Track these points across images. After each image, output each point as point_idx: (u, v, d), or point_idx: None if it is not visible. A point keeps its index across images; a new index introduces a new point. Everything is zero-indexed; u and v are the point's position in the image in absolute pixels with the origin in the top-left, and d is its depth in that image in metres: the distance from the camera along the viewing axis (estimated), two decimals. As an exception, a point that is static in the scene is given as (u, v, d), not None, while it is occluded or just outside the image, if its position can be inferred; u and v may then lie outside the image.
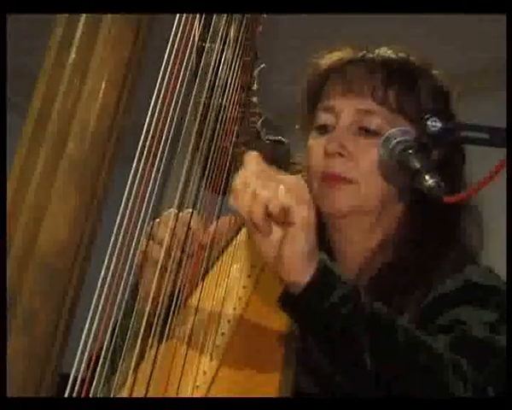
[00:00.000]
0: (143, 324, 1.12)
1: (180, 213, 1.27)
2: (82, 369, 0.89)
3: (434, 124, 1.17)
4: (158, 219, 1.28)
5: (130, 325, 1.12)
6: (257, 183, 1.07)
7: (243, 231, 1.58)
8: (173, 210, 1.27)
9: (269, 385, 1.19)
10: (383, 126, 1.39)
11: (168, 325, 1.23)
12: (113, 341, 1.06)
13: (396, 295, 1.35)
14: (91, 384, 0.97)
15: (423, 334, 1.17)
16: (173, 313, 1.24)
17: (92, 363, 0.96)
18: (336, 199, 1.41)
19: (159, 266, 1.19)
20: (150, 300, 1.14)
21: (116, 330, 1.08)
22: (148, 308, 1.13)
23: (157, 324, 1.15)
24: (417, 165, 1.19)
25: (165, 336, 1.23)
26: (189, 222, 1.27)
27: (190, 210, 1.28)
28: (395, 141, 1.27)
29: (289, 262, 1.09)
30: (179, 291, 1.26)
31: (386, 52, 1.48)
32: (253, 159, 1.10)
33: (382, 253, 1.43)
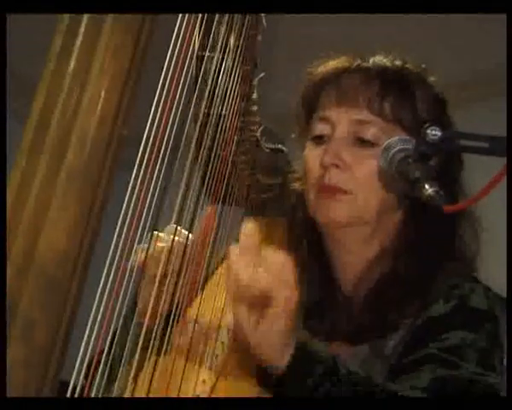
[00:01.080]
0: (142, 333, 1.11)
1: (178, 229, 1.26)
2: (81, 376, 0.89)
3: (434, 133, 1.17)
4: (156, 235, 1.27)
5: (130, 335, 1.12)
6: (238, 264, 1.07)
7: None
8: (171, 226, 1.26)
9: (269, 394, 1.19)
10: (379, 137, 1.38)
11: (167, 335, 1.23)
12: (113, 350, 1.06)
13: (393, 310, 1.35)
14: (91, 391, 0.97)
15: (400, 388, 1.21)
16: (172, 322, 1.24)
17: (93, 366, 0.96)
18: (333, 210, 1.40)
19: (157, 281, 1.19)
20: (149, 311, 1.14)
21: (116, 339, 1.08)
22: (146, 319, 1.13)
23: (156, 333, 1.15)
24: (417, 174, 1.19)
25: (165, 345, 1.23)
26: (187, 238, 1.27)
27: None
28: (395, 150, 1.27)
29: (267, 345, 1.10)
30: (178, 301, 1.26)
31: (381, 61, 1.46)
32: (246, 234, 1.10)
33: (380, 263, 1.42)
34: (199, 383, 1.24)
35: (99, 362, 0.99)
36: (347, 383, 1.14)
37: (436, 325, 1.30)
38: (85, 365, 0.88)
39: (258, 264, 1.07)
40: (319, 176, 1.41)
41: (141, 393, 1.16)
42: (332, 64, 1.48)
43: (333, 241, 1.47)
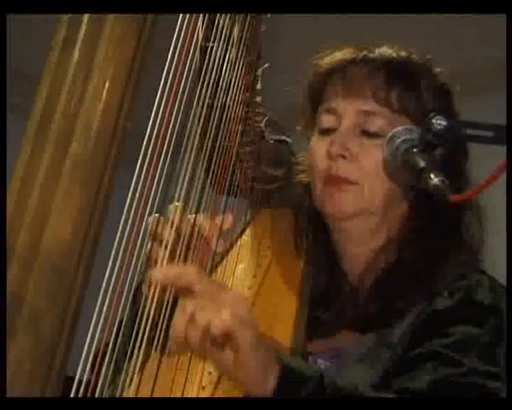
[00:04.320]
0: (148, 324, 1.11)
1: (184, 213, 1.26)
2: (87, 370, 0.89)
3: (439, 122, 1.17)
4: (160, 218, 1.26)
5: (135, 326, 1.12)
6: (195, 303, 1.05)
7: (248, 230, 1.58)
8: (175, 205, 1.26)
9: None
10: (386, 127, 1.38)
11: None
12: (118, 341, 1.06)
13: (399, 298, 1.35)
14: (96, 385, 0.97)
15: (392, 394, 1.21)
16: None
17: (98, 359, 0.96)
18: (340, 201, 1.40)
19: (164, 265, 1.19)
20: (155, 300, 1.14)
21: (121, 330, 1.08)
22: (152, 309, 1.13)
23: (162, 324, 1.15)
24: (422, 164, 1.18)
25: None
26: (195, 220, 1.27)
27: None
28: (399, 140, 1.27)
29: (247, 382, 1.10)
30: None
31: (387, 52, 1.46)
32: (192, 273, 1.07)
33: (386, 252, 1.42)
34: (205, 375, 1.23)
35: (105, 354, 0.99)
36: (334, 393, 1.15)
37: (440, 318, 1.30)
38: (91, 356, 0.88)
39: (214, 304, 1.05)
40: (326, 167, 1.40)
41: (147, 385, 1.16)
42: (338, 55, 1.47)
43: (339, 231, 1.46)
